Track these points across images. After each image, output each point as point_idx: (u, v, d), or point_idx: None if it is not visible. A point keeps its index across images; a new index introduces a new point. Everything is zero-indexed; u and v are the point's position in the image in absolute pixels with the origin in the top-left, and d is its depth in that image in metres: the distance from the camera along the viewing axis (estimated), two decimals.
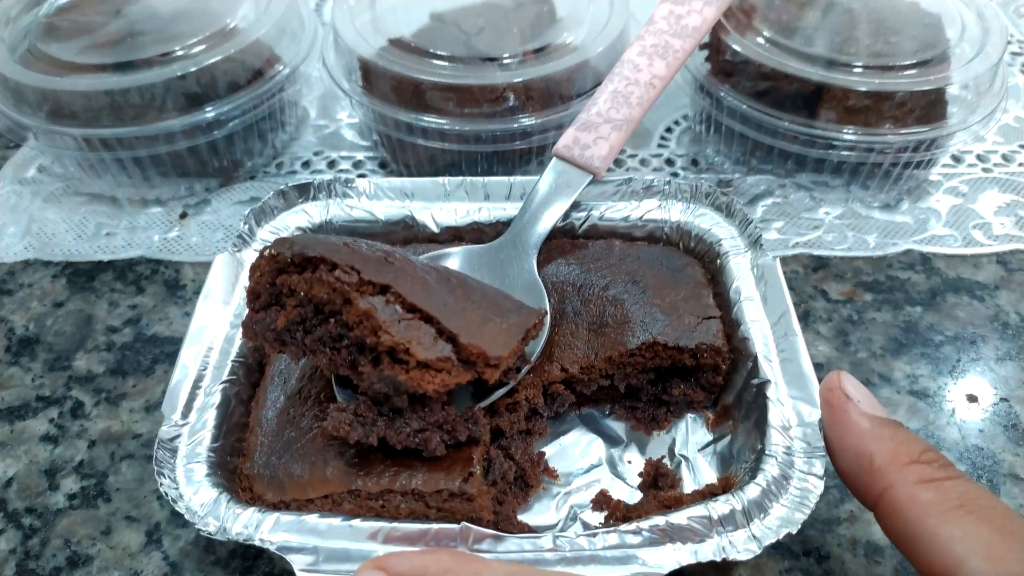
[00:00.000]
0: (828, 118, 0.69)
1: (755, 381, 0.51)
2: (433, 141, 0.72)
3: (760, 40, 0.72)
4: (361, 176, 0.79)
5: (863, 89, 0.67)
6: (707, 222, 0.61)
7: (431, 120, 0.70)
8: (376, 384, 0.44)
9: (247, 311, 0.48)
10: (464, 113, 0.70)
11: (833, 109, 0.69)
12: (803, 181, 0.75)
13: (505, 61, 0.71)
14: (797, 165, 0.74)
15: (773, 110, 0.70)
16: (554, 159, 0.62)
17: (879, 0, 0.75)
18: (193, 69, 0.70)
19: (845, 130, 0.68)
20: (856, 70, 0.68)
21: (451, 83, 0.69)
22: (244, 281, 0.57)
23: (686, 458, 0.54)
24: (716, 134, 0.79)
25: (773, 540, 0.42)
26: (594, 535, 0.43)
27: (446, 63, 0.71)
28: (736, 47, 0.72)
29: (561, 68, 0.70)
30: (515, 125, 0.70)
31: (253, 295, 0.47)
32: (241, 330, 0.48)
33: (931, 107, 0.69)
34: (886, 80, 0.67)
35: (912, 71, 0.69)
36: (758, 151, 0.75)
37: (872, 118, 0.68)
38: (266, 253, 0.46)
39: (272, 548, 0.43)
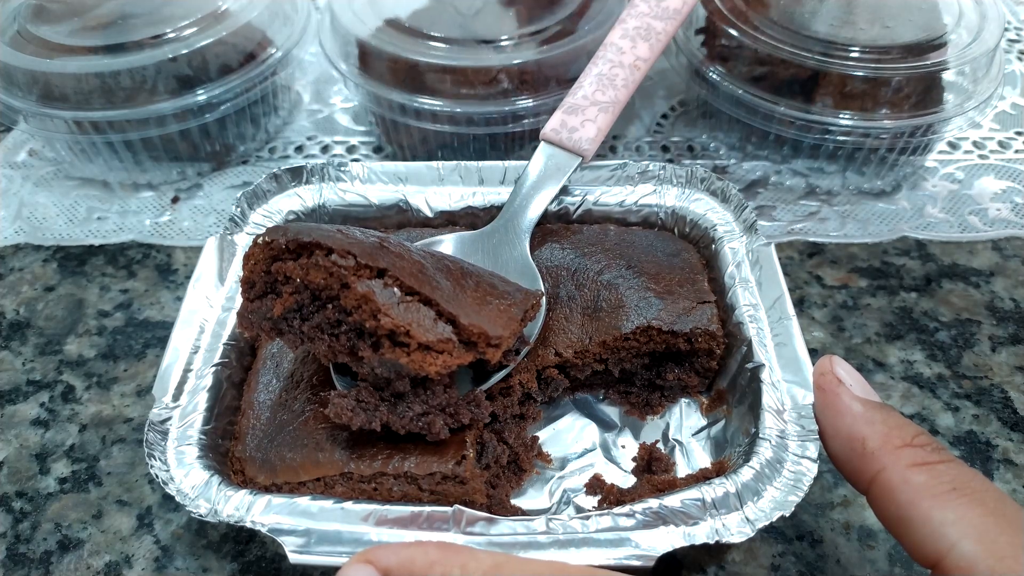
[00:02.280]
0: (824, 104, 0.68)
1: (749, 365, 0.51)
2: (426, 122, 0.71)
3: (757, 24, 0.72)
4: (355, 160, 0.78)
5: (859, 74, 0.67)
6: (702, 207, 0.61)
7: (424, 101, 0.69)
8: (377, 368, 0.44)
9: (242, 301, 0.47)
10: (458, 95, 0.70)
11: (829, 95, 0.68)
12: (799, 167, 0.75)
13: (501, 43, 0.70)
14: (793, 151, 0.74)
15: (769, 95, 0.70)
16: (542, 143, 0.62)
17: None
18: (184, 52, 0.69)
19: (841, 115, 0.68)
20: (853, 55, 0.68)
21: (445, 64, 0.69)
22: (237, 264, 0.56)
23: (680, 443, 0.54)
24: (712, 120, 0.78)
25: (767, 523, 0.42)
26: (587, 518, 0.43)
27: (442, 44, 0.70)
28: (732, 32, 0.71)
29: (557, 52, 0.70)
30: (507, 108, 0.69)
31: (248, 284, 0.46)
32: (236, 319, 0.48)
33: (927, 93, 0.69)
34: (882, 65, 0.67)
35: (908, 56, 0.68)
36: (754, 137, 0.75)
37: (868, 103, 0.68)
38: (260, 241, 0.45)
39: (263, 530, 0.42)
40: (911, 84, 0.68)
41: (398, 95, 0.70)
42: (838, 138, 0.69)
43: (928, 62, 0.68)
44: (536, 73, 0.70)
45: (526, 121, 0.71)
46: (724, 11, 0.73)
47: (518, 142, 0.75)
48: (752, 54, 0.70)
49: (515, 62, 0.69)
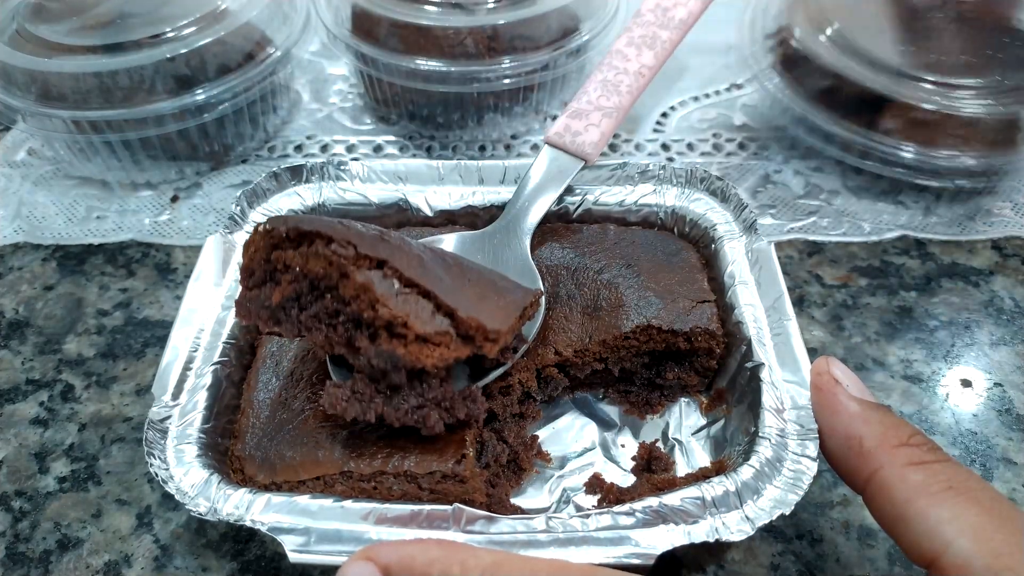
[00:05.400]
0: (890, 128, 0.65)
1: (749, 365, 0.51)
2: (396, 78, 0.75)
3: (830, 33, 0.69)
4: (355, 159, 0.78)
5: (928, 107, 0.64)
6: (702, 207, 0.61)
7: (393, 58, 0.73)
8: (374, 360, 0.43)
9: (240, 290, 0.47)
10: (428, 55, 0.73)
11: (897, 118, 0.65)
12: (799, 167, 0.75)
13: (474, 7, 0.73)
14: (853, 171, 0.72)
15: (831, 113, 0.67)
16: (546, 146, 0.62)
17: (974, 14, 0.69)
18: (183, 51, 0.69)
19: (906, 146, 0.65)
20: (926, 85, 0.65)
21: (418, 24, 0.72)
22: (236, 263, 0.56)
23: (679, 442, 0.54)
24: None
25: (766, 521, 0.42)
26: (587, 517, 0.43)
27: (425, 6, 0.74)
28: (802, 41, 0.69)
29: (517, 18, 0.72)
30: (472, 68, 0.72)
31: (247, 272, 0.46)
32: (234, 309, 0.48)
33: (1004, 131, 0.66)
34: (954, 102, 0.64)
35: (986, 94, 0.65)
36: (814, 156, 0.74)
37: (938, 134, 0.65)
38: (260, 229, 0.45)
39: (263, 529, 0.42)
40: (987, 120, 0.65)
41: (369, 48, 0.73)
42: (897, 170, 0.66)
43: (1003, 104, 0.65)
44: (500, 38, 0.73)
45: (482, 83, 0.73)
46: (800, 14, 0.71)
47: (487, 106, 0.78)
48: (819, 66, 0.68)
49: (478, 24, 0.71)
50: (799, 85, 0.70)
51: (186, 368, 0.50)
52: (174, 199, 0.75)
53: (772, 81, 0.71)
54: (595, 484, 0.51)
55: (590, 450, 0.54)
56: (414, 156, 0.80)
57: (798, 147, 0.74)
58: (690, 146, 0.81)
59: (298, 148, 0.81)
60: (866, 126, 0.66)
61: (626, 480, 0.52)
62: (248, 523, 0.43)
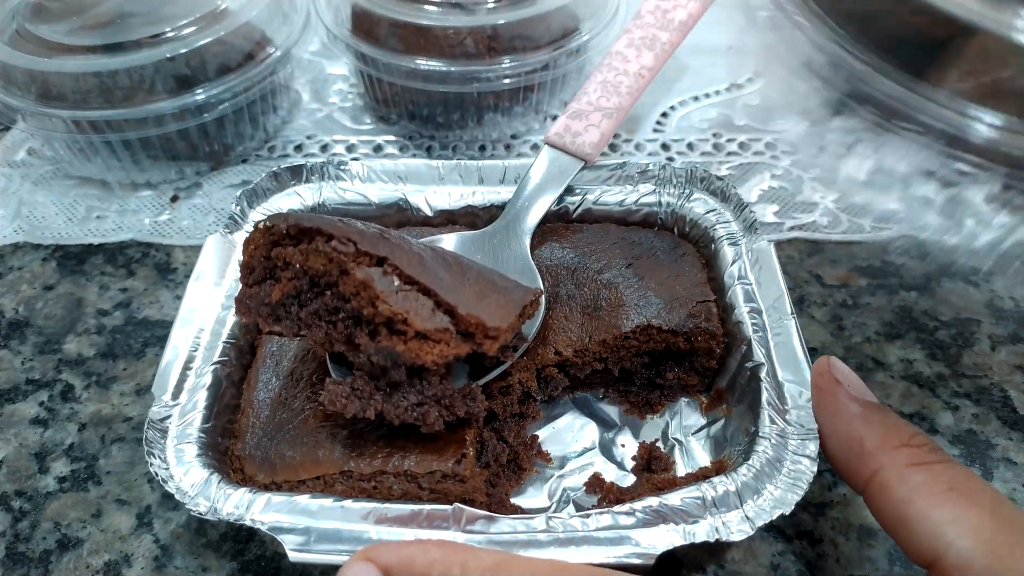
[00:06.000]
0: (954, 80, 0.44)
1: (749, 365, 0.51)
2: (396, 78, 0.75)
3: None
4: (355, 159, 0.79)
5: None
6: (702, 207, 0.61)
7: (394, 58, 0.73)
8: (374, 356, 0.44)
9: (240, 287, 0.47)
10: (428, 54, 0.73)
11: (971, 66, 0.44)
12: (800, 168, 0.74)
13: (474, 8, 0.73)
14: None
15: (868, 55, 0.47)
16: (546, 147, 0.62)
17: None
18: (183, 51, 0.69)
19: (980, 113, 0.44)
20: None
21: (418, 24, 0.72)
22: (236, 262, 0.56)
23: (679, 442, 0.54)
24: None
25: (767, 521, 0.42)
26: (587, 516, 0.43)
27: (424, 6, 0.74)
28: None
29: (517, 18, 0.72)
30: (472, 67, 0.72)
31: (247, 269, 0.46)
32: (234, 307, 0.48)
33: None
34: None
35: None
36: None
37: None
38: (261, 226, 0.45)
39: (263, 528, 0.42)
40: None
41: (369, 48, 0.73)
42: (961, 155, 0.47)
43: None
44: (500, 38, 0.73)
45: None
46: None
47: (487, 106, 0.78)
48: None
49: (478, 24, 0.71)
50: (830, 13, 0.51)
51: (186, 368, 0.50)
52: (174, 199, 0.75)
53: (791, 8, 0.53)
54: (595, 484, 0.51)
55: (590, 450, 0.54)
56: (414, 156, 0.80)
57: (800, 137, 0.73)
58: (690, 146, 0.81)
59: (298, 148, 0.81)
60: (916, 75, 0.46)
61: (626, 480, 0.52)
62: (248, 523, 0.43)
